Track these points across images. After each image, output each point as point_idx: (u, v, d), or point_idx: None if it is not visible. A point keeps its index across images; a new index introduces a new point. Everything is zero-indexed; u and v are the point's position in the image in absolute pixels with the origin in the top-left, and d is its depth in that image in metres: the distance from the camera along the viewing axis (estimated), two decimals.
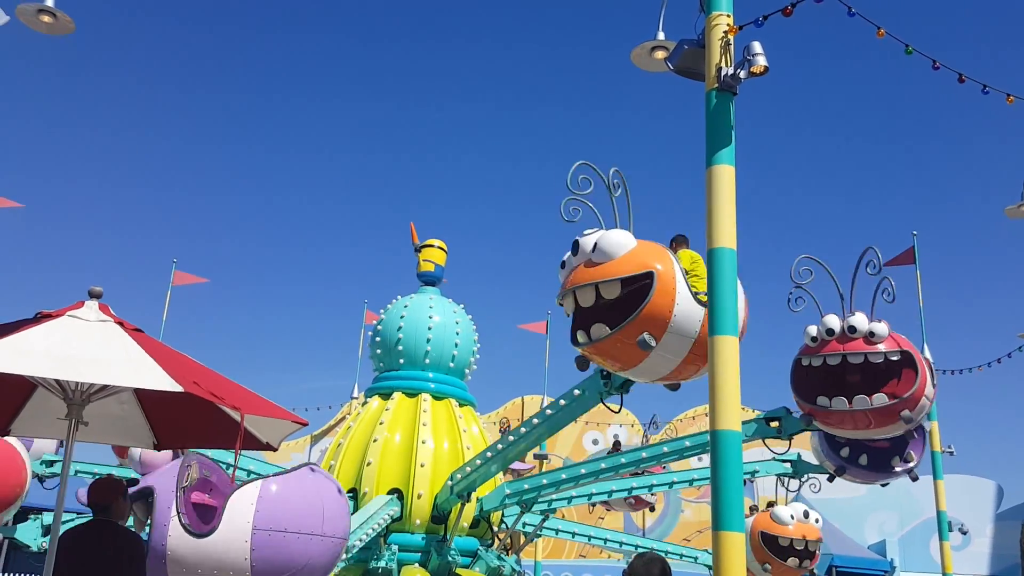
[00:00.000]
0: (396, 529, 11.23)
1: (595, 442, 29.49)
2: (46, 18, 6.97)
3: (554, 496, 11.12)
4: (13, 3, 6.75)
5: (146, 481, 6.85)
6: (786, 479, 13.15)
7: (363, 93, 64.22)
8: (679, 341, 7.06)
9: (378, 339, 12.80)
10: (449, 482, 10.81)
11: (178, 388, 4.03)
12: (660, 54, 6.57)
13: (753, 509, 12.85)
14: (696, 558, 14.83)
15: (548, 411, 9.28)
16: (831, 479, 11.39)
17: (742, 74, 5.25)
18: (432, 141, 63.02)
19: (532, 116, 63.35)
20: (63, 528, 5.30)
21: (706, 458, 14.74)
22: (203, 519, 6.27)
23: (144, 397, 5.49)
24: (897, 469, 10.46)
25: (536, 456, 23.00)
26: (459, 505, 10.84)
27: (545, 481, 10.71)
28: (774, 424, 9.68)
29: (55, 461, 11.51)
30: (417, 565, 10.96)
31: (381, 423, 11.84)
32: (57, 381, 4.92)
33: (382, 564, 10.69)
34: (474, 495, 11.17)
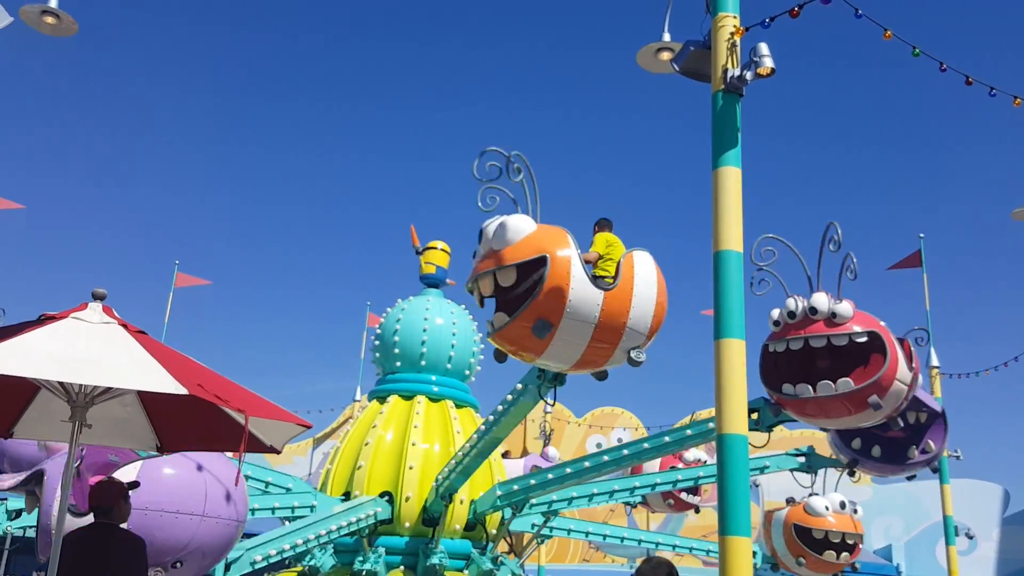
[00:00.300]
0: (386, 532, 11.22)
1: (599, 445, 29.46)
2: (49, 19, 6.96)
3: (555, 498, 10.95)
4: (16, 4, 6.75)
5: (41, 465, 6.98)
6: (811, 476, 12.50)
7: (367, 95, 64.33)
8: (578, 326, 6.85)
9: (377, 342, 12.83)
10: (434, 484, 10.77)
11: (182, 390, 4.01)
12: (666, 55, 6.55)
13: (790, 501, 12.42)
14: (708, 550, 14.50)
15: (500, 407, 9.09)
16: (852, 474, 10.90)
17: (748, 76, 5.23)
18: (436, 142, 63.08)
19: (537, 117, 63.40)
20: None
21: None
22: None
23: (147, 400, 5.47)
24: (915, 460, 9.84)
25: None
26: (449, 507, 10.80)
27: (533, 482, 10.51)
28: (753, 415, 9.09)
29: None
30: (402, 568, 10.92)
31: (374, 426, 11.86)
32: (60, 383, 4.92)
33: (367, 567, 10.66)
34: (467, 497, 11.15)
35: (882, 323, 8.35)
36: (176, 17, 62.05)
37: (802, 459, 11.84)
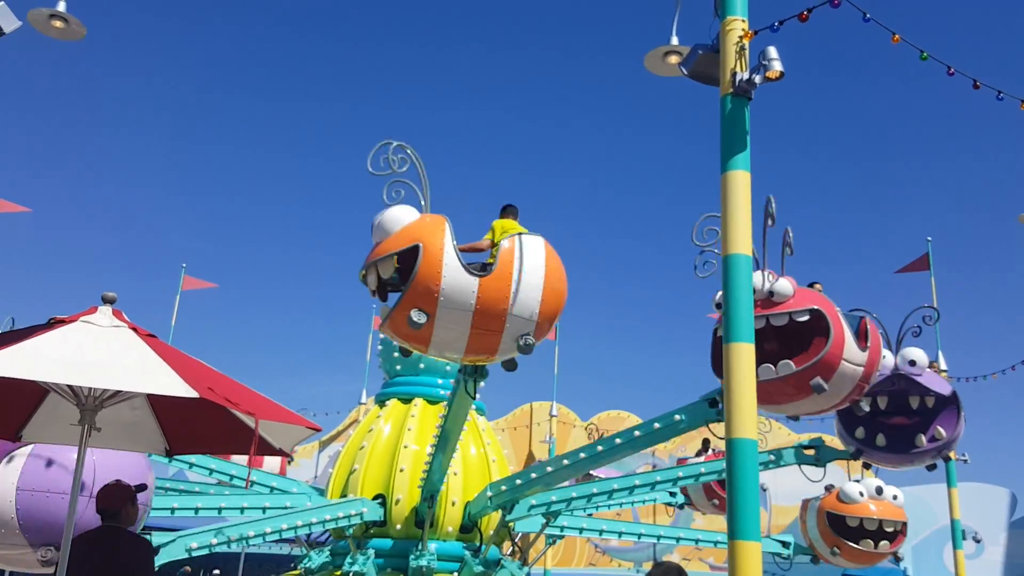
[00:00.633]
0: (379, 534, 11.25)
1: None
2: (57, 23, 6.97)
3: (554, 499, 10.83)
4: (24, 7, 6.76)
5: None
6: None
7: (374, 97, 64.40)
8: (456, 314, 6.84)
9: (381, 346, 12.89)
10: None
11: (193, 394, 4.01)
12: (674, 59, 6.53)
13: (829, 489, 11.78)
14: (716, 541, 13.86)
15: (444, 404, 9.09)
16: (868, 466, 10.64)
17: (757, 79, 5.23)
18: (442, 146, 63.12)
19: (544, 121, 63.42)
20: None
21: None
22: None
23: (157, 403, 5.48)
24: (923, 449, 9.20)
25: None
26: (431, 509, 10.78)
27: (519, 481, 10.36)
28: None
29: None
30: (389, 570, 10.93)
31: (371, 430, 11.92)
32: (70, 386, 4.92)
33: (355, 568, 10.68)
34: (459, 499, 11.14)
35: (828, 300, 7.93)
36: (182, 19, 62.23)
37: (811, 452, 11.23)
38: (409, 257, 6.91)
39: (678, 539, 13.72)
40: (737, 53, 5.35)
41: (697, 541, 13.60)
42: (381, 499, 11.22)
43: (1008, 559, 28.44)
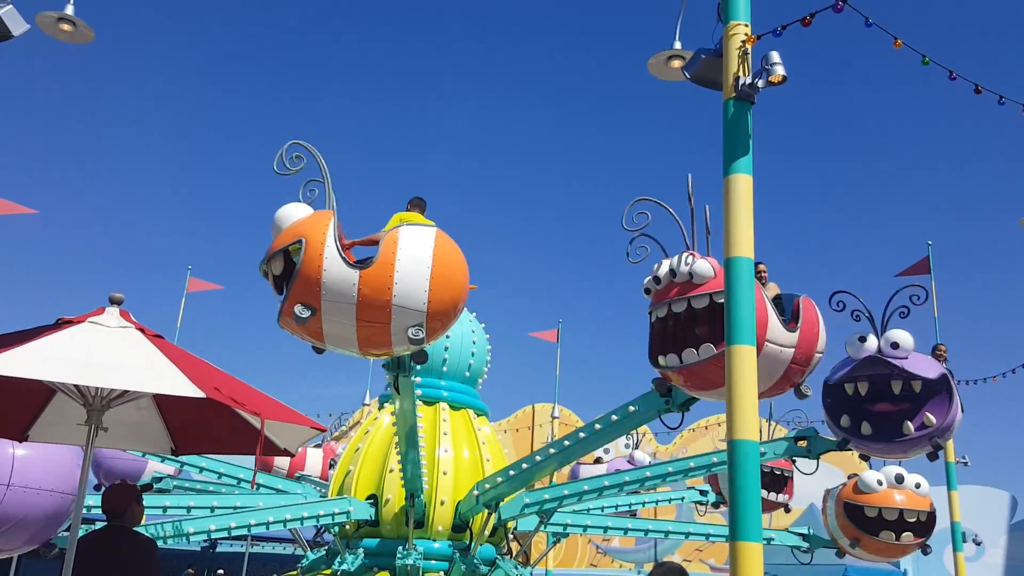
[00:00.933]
0: (370, 534, 11.31)
1: (606, 450, 29.39)
2: (66, 26, 7.00)
3: (547, 497, 10.77)
4: (32, 11, 6.80)
5: None
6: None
7: (378, 98, 64.44)
8: (340, 307, 6.84)
9: None
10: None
11: (200, 394, 4.04)
12: (677, 63, 6.57)
13: (852, 478, 11.35)
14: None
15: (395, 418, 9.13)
16: (865, 458, 9.86)
17: (760, 83, 5.27)
18: (446, 148, 63.19)
19: (547, 125, 63.44)
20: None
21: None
22: None
23: (163, 403, 5.51)
24: (910, 437, 8.55)
25: None
26: (428, 509, 10.90)
27: (500, 480, 10.39)
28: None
29: None
30: (375, 568, 10.94)
31: (367, 431, 12.01)
32: (77, 387, 4.95)
33: (343, 567, 10.74)
34: (448, 499, 11.14)
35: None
36: (186, 21, 62.31)
37: (803, 443, 10.72)
38: (289, 254, 7.00)
39: (688, 534, 13.31)
40: (740, 57, 5.39)
41: (708, 536, 13.21)
42: (373, 499, 11.27)
43: (1008, 562, 28.44)
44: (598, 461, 16.17)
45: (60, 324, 4.66)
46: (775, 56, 5.27)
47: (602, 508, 12.79)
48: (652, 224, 7.68)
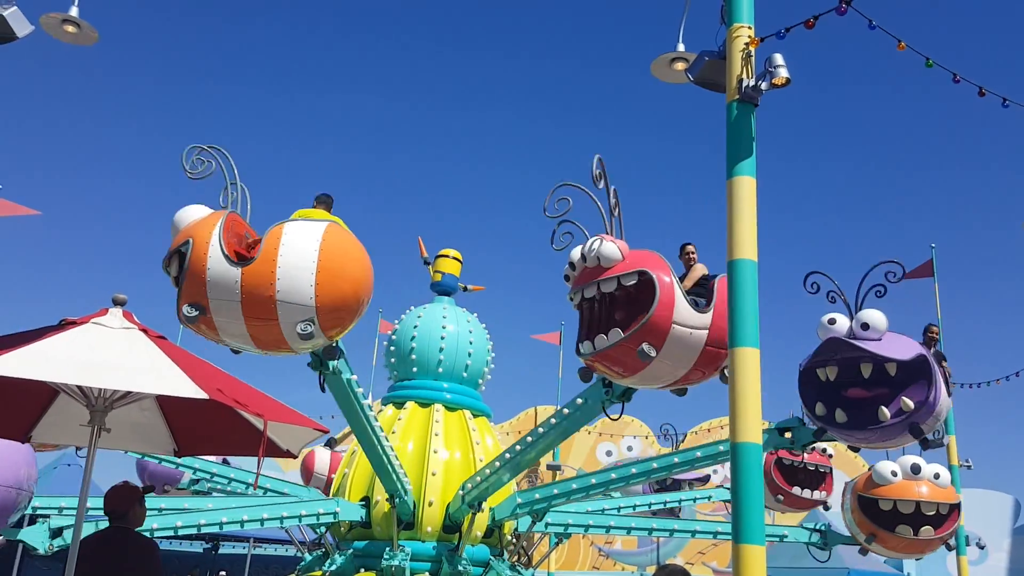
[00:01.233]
0: (361, 535, 11.36)
1: (608, 453, 29.39)
2: (70, 28, 7.00)
3: (537, 496, 10.78)
4: (36, 12, 6.81)
5: None
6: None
7: (381, 100, 64.53)
8: (227, 305, 6.82)
9: (392, 348, 12.87)
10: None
11: (203, 395, 4.05)
12: (680, 65, 6.56)
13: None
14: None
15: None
16: (855, 449, 9.19)
17: (763, 86, 5.26)
18: (448, 150, 63.26)
19: (549, 126, 63.49)
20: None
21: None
22: None
23: (166, 404, 5.52)
24: (887, 423, 7.95)
25: (549, 467, 22.99)
26: (416, 510, 10.92)
27: (479, 479, 10.37)
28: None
29: None
30: (362, 569, 11.00)
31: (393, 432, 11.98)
32: (80, 388, 4.96)
33: (331, 568, 10.82)
34: (437, 500, 11.12)
35: (660, 260, 7.20)
36: (187, 19, 62.43)
37: (788, 435, 10.82)
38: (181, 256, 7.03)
39: (694, 532, 12.88)
40: (743, 60, 5.39)
41: (716, 534, 12.72)
42: (366, 501, 11.29)
43: (1012, 565, 28.39)
44: None
45: (64, 325, 4.68)
46: (779, 58, 5.26)
47: (634, 507, 12.76)
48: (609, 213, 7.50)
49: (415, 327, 12.51)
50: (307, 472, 16.50)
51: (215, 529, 10.67)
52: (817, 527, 12.43)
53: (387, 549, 10.68)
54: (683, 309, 6.99)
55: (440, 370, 12.32)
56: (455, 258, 13.24)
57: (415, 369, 12.43)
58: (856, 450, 9.10)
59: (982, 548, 27.82)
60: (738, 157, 5.29)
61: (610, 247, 7.09)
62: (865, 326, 7.99)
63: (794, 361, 8.47)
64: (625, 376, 7.42)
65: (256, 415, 4.37)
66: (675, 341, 6.96)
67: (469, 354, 12.46)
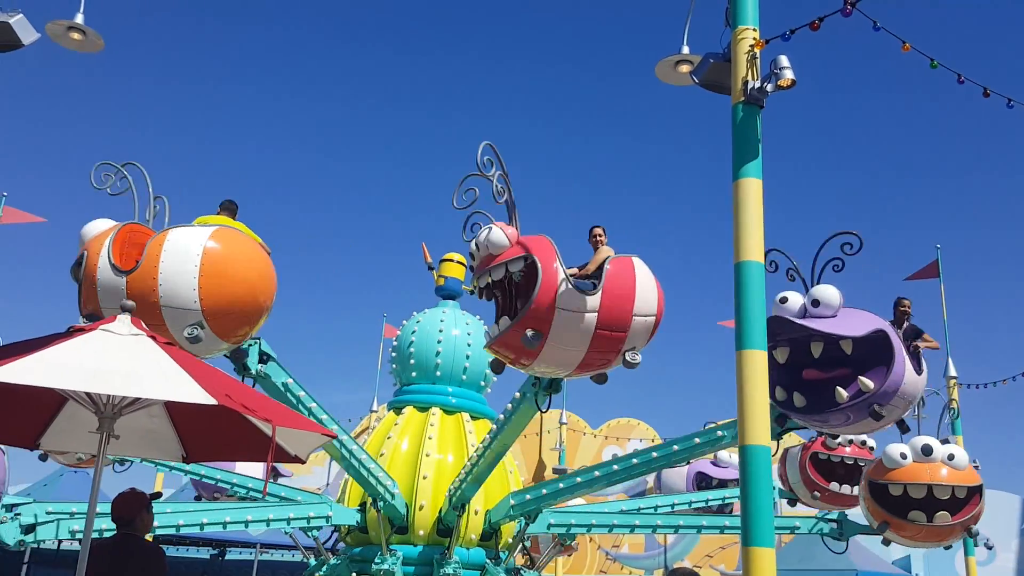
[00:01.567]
0: (359, 540, 11.45)
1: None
2: (75, 35, 7.04)
3: (528, 497, 10.74)
4: (42, 20, 6.83)
5: None
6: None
7: (389, 105, 64.60)
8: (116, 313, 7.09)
9: (394, 353, 12.94)
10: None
11: (211, 401, 4.05)
12: (685, 68, 6.58)
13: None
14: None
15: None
16: (834, 436, 9.20)
17: (769, 87, 5.28)
18: (453, 154, 63.33)
19: (554, 128, 63.53)
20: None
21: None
22: None
23: (174, 410, 5.52)
24: (843, 405, 7.47)
25: (555, 470, 22.96)
26: (411, 514, 10.99)
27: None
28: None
29: None
30: (355, 573, 11.09)
31: (389, 437, 12.04)
32: (88, 394, 4.96)
33: (323, 572, 10.98)
34: (428, 503, 11.14)
35: (546, 244, 7.03)
36: (190, 22, 62.58)
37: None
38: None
39: (700, 528, 12.27)
40: (748, 62, 5.41)
41: (723, 528, 12.07)
42: (363, 506, 11.33)
43: (1020, 565, 28.31)
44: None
45: (72, 332, 4.68)
46: (784, 60, 5.28)
47: (655, 508, 12.68)
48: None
49: (414, 332, 12.57)
50: None
51: (218, 528, 10.74)
52: (832, 516, 11.85)
53: (379, 553, 10.73)
54: (567, 293, 6.84)
55: (438, 373, 12.35)
56: (459, 262, 13.26)
57: (414, 373, 12.47)
58: (835, 436, 8.77)
59: (990, 548, 27.71)
60: (744, 159, 5.30)
61: (497, 234, 7.01)
62: (816, 302, 7.57)
63: None
64: (524, 363, 7.34)
65: (265, 420, 4.37)
66: (561, 325, 6.83)
67: (467, 357, 12.45)
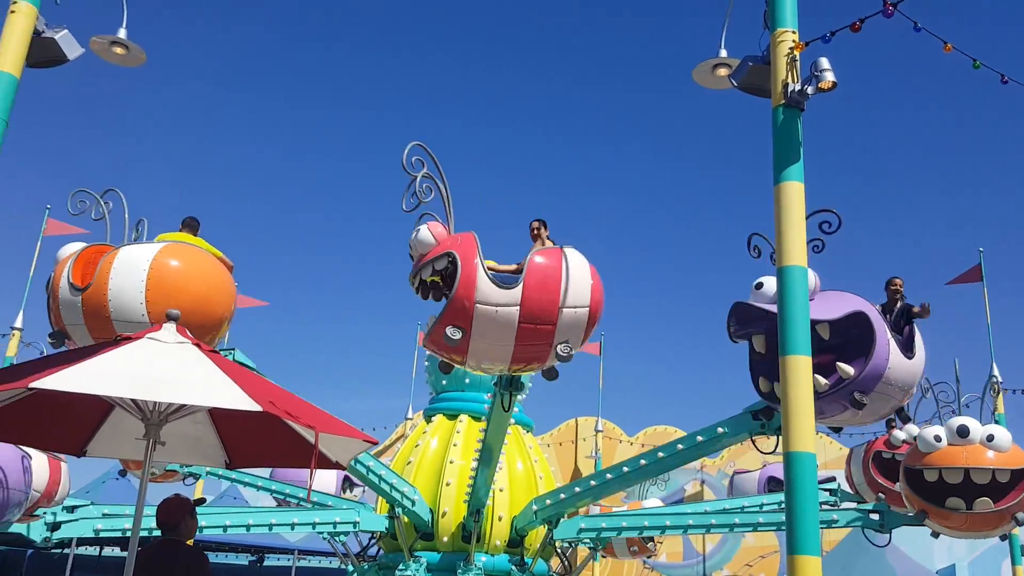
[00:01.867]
0: (389, 547, 11.66)
1: None
2: (119, 50, 7.15)
3: (548, 502, 10.74)
4: (86, 34, 6.95)
5: None
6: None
7: (415, 111, 64.95)
8: (78, 329, 7.44)
9: (427, 362, 13.06)
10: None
11: (256, 407, 4.09)
12: (722, 71, 6.54)
13: None
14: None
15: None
16: (837, 429, 8.40)
17: (810, 90, 5.24)
18: (486, 162, 63.47)
19: (587, 135, 63.48)
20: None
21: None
22: None
23: (218, 417, 5.59)
24: (826, 392, 7.02)
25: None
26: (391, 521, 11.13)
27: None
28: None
29: None
30: None
31: (417, 445, 12.25)
32: (135, 401, 5.04)
33: None
34: (450, 510, 11.21)
35: (469, 240, 7.08)
36: (204, 27, 63.39)
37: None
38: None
39: (732, 526, 11.54)
40: (788, 64, 5.38)
41: (756, 526, 11.44)
42: (392, 512, 11.40)
43: None
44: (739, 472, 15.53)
45: (119, 341, 4.76)
46: (824, 62, 5.24)
47: (741, 507, 12.31)
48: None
49: None
50: None
51: (242, 531, 10.96)
52: (874, 508, 11.02)
53: (403, 560, 10.84)
54: (486, 288, 6.97)
55: (467, 380, 12.36)
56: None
57: (445, 381, 12.53)
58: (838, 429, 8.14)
59: None
60: (785, 162, 5.27)
61: (424, 233, 7.20)
62: None
63: None
64: (457, 360, 7.49)
65: (307, 427, 4.40)
66: (482, 320, 6.96)
67: None
